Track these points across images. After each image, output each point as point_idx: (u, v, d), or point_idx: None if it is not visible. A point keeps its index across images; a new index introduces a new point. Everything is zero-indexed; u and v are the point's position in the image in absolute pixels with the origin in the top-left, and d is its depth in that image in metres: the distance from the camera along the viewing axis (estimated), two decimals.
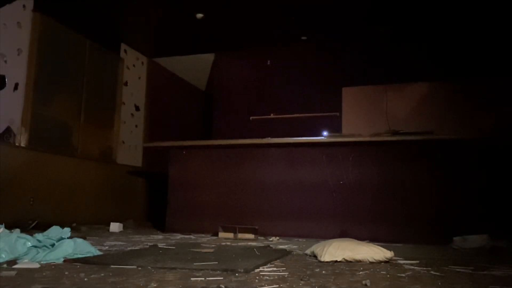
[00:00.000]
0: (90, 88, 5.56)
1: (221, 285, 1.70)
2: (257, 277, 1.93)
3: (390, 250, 2.60)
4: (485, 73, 5.61)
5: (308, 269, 2.25)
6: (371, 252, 2.58)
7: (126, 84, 6.31)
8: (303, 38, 6.15)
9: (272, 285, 1.76)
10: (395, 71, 5.92)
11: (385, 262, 2.56)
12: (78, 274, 1.90)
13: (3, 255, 2.18)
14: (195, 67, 7.40)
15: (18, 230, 3.03)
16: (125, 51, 6.34)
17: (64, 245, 2.40)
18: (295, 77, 6.61)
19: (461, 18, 5.34)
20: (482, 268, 2.40)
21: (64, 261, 2.27)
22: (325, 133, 5.24)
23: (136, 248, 3.11)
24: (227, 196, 4.74)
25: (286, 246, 3.59)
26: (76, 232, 4.12)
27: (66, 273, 1.93)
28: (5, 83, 4.33)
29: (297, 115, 6.40)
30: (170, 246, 3.27)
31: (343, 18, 5.45)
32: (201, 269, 2.08)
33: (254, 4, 5.12)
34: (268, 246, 3.50)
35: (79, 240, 2.52)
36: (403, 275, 2.12)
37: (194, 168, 4.91)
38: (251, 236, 4.27)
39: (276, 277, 1.95)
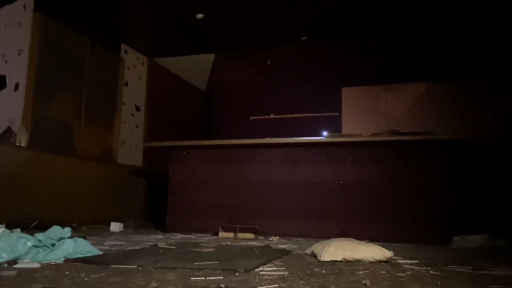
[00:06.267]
0: (90, 88, 5.57)
1: (221, 285, 1.70)
2: (257, 277, 1.94)
3: (390, 250, 2.60)
4: (484, 73, 5.61)
5: (308, 268, 2.25)
6: (371, 251, 2.58)
7: (126, 84, 6.31)
8: (303, 38, 6.16)
9: (272, 284, 1.76)
10: (395, 71, 5.92)
11: (385, 261, 2.56)
12: (79, 273, 1.91)
13: (4, 255, 2.19)
14: (195, 67, 7.40)
15: (18, 230, 3.04)
16: (126, 51, 6.34)
17: (65, 245, 2.40)
18: (295, 77, 6.61)
19: (460, 18, 5.34)
20: (481, 268, 2.41)
21: (65, 260, 2.28)
22: (325, 133, 5.24)
23: (136, 247, 3.11)
24: (227, 196, 4.74)
25: (286, 245, 3.59)
26: (77, 232, 4.13)
27: (66, 272, 1.94)
28: (6, 83, 4.33)
29: (297, 115, 6.40)
30: (170, 245, 3.28)
31: (343, 18, 5.46)
32: (201, 269, 2.09)
33: (254, 4, 5.12)
34: (268, 245, 3.51)
35: (80, 240, 2.53)
36: (403, 274, 2.12)
37: (194, 168, 4.92)
38: (251, 235, 4.27)
39: (276, 277, 1.96)
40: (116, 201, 5.81)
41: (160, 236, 4.30)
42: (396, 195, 4.24)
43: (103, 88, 5.88)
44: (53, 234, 2.56)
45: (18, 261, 2.16)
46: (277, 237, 4.36)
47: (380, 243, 3.10)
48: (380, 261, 2.55)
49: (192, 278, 1.85)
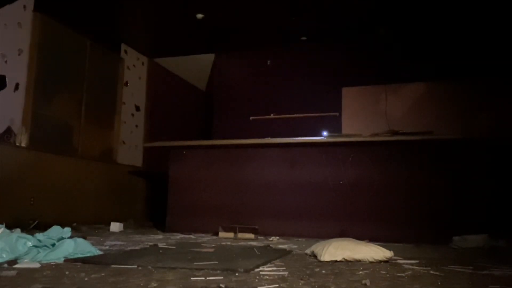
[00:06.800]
0: (90, 88, 5.57)
1: (221, 285, 1.70)
2: (257, 277, 1.94)
3: (390, 250, 2.60)
4: (484, 73, 5.61)
5: (308, 268, 2.25)
6: (371, 251, 2.58)
7: (126, 84, 6.31)
8: (303, 38, 6.16)
9: (272, 284, 1.76)
10: (395, 71, 5.92)
11: (385, 261, 2.56)
12: (79, 273, 1.91)
13: (4, 255, 2.19)
14: (195, 67, 7.40)
15: (18, 230, 3.05)
16: (126, 51, 6.34)
17: (65, 245, 2.40)
18: (295, 77, 6.61)
19: (460, 18, 5.34)
20: (482, 268, 2.40)
21: (65, 260, 2.28)
22: (325, 133, 5.24)
23: (136, 247, 3.11)
24: (227, 196, 4.74)
25: (286, 245, 3.59)
26: (77, 232, 4.13)
27: (66, 272, 1.94)
28: (6, 83, 4.32)
29: (297, 115, 6.39)
30: (171, 245, 3.28)
31: (343, 18, 5.46)
32: (201, 269, 2.09)
33: (254, 5, 5.13)
34: (268, 245, 3.51)
35: (80, 240, 2.53)
36: (403, 274, 2.12)
37: (194, 168, 4.92)
38: (251, 236, 4.27)
39: (276, 277, 1.96)
40: (116, 201, 5.81)
41: (160, 236, 4.30)
42: (396, 195, 4.24)
43: (103, 88, 5.87)
44: (53, 234, 2.56)
45: (18, 261, 2.16)
46: (277, 237, 4.36)
47: (380, 243, 3.10)
48: (380, 261, 2.55)
49: (192, 278, 1.85)
